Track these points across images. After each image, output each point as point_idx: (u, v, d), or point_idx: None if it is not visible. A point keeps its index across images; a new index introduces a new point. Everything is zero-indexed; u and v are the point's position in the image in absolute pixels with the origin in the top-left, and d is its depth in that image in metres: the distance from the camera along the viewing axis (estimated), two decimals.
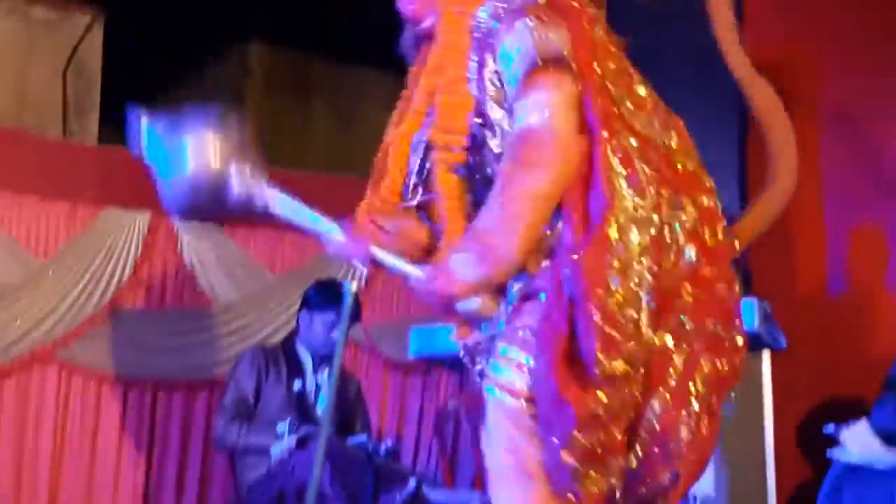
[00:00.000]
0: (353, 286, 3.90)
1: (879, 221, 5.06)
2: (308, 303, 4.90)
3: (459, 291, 2.25)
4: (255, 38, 7.24)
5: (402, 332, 5.10)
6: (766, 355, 4.14)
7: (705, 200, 2.26)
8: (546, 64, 2.20)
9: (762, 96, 2.42)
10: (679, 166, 2.25)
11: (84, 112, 6.49)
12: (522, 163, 2.18)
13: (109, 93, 6.54)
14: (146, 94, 7.36)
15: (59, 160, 5.65)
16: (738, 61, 2.43)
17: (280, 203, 2.44)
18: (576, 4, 2.26)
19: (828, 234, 5.07)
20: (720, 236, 2.26)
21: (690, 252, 2.21)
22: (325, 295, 4.84)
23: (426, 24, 2.40)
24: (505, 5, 2.27)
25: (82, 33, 6.40)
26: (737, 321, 2.27)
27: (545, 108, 2.19)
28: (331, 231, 2.44)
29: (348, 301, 3.89)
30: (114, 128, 6.76)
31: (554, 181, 2.18)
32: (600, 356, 2.09)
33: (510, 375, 2.20)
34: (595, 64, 2.22)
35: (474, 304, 2.34)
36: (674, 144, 2.27)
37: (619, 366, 2.10)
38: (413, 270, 2.35)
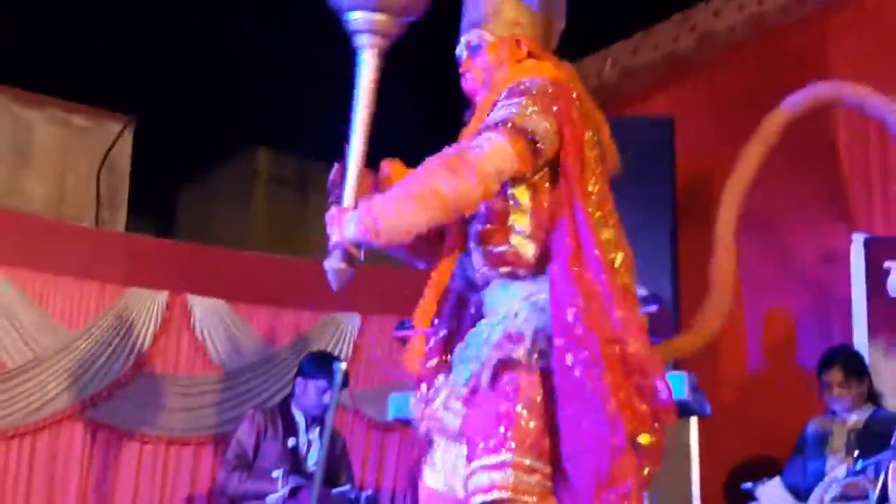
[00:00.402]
0: (342, 366, 3.91)
1: (789, 308, 5.16)
2: (302, 371, 4.91)
3: (334, 239, 2.14)
4: (261, 144, 7.32)
5: (383, 397, 5.08)
6: (693, 421, 4.14)
7: (634, 314, 2.17)
8: (515, 127, 2.14)
9: (724, 262, 2.38)
10: (618, 281, 2.18)
11: (114, 205, 6.55)
12: (444, 164, 2.09)
13: (137, 188, 6.59)
14: (168, 189, 7.41)
15: (91, 246, 5.73)
16: (726, 225, 2.36)
17: (365, 71, 2.27)
18: (575, 115, 2.21)
19: (747, 317, 5.14)
20: (644, 348, 2.13)
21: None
22: (317, 365, 4.86)
23: (479, 98, 2.35)
24: (522, 89, 2.21)
25: (115, 138, 6.47)
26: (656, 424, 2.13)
27: (492, 146, 2.12)
28: (359, 146, 2.27)
29: (338, 380, 3.91)
30: (140, 218, 6.80)
31: (459, 194, 2.08)
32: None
33: (493, 475, 2.07)
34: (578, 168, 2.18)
35: (335, 263, 2.16)
36: (618, 262, 2.21)
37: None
38: (347, 198, 2.20)
